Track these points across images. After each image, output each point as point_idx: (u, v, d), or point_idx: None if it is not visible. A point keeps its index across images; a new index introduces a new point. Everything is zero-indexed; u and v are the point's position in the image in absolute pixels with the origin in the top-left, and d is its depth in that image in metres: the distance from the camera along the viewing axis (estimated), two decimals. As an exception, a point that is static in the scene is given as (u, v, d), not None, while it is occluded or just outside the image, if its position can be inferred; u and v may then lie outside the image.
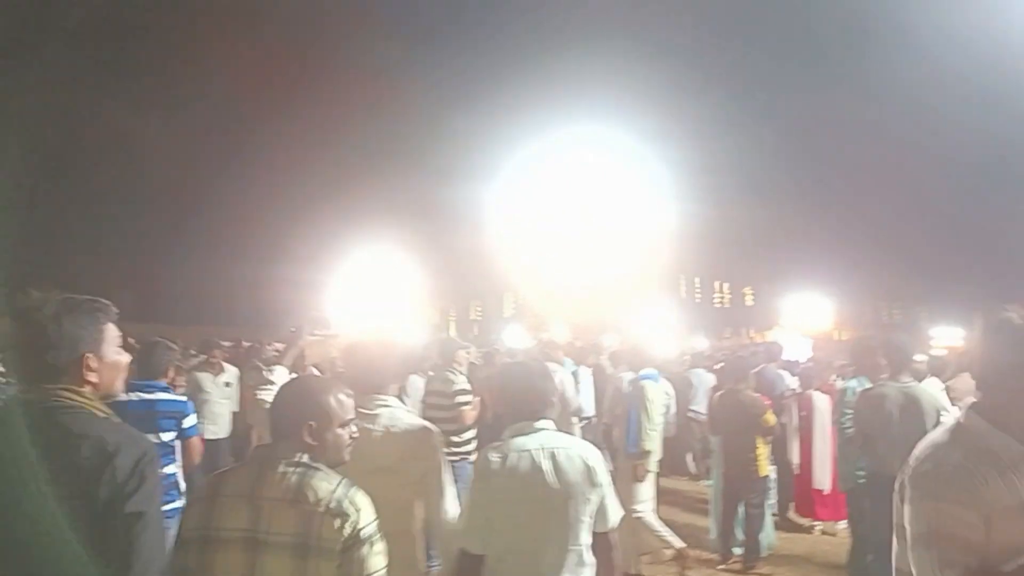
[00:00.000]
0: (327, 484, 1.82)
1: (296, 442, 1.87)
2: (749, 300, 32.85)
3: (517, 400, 2.56)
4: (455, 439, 5.51)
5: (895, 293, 46.89)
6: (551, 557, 2.37)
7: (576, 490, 2.38)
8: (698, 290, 32.17)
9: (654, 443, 5.67)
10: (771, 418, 6.21)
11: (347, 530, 1.78)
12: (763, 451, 5.93)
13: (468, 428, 5.80)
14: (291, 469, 1.83)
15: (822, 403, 6.94)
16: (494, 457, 2.42)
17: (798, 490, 7.01)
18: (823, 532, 6.92)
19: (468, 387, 5.90)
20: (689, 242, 31.41)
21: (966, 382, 7.55)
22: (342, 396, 1.97)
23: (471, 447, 5.75)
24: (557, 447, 2.44)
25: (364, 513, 1.82)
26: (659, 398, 5.86)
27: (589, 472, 2.42)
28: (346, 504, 1.80)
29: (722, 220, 34.95)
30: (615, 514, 2.50)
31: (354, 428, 2.01)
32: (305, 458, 1.86)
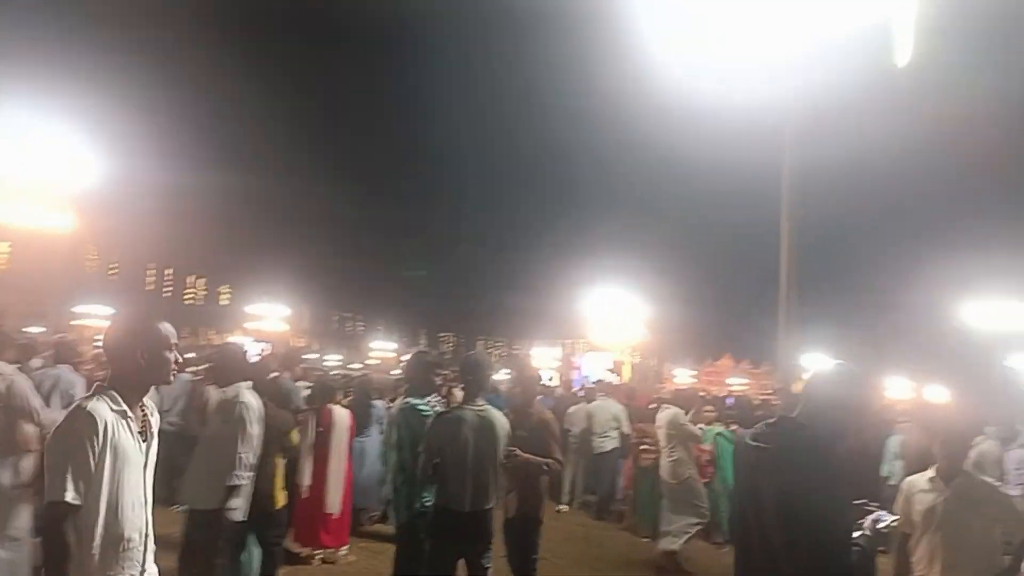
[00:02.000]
0: None
1: None
2: (225, 300, 30.94)
3: None
4: None
5: (347, 305, 50.59)
6: None
7: None
8: (169, 284, 29.00)
9: None
10: (295, 436, 5.45)
11: None
12: (279, 478, 5.08)
13: None
14: None
15: (343, 418, 6.42)
16: None
17: (302, 514, 6.25)
18: (324, 561, 6.34)
19: None
20: (161, 230, 28.08)
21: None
22: None
23: None
24: None
25: None
26: None
27: None
28: None
29: (200, 209, 32.50)
30: None
31: None
32: None
